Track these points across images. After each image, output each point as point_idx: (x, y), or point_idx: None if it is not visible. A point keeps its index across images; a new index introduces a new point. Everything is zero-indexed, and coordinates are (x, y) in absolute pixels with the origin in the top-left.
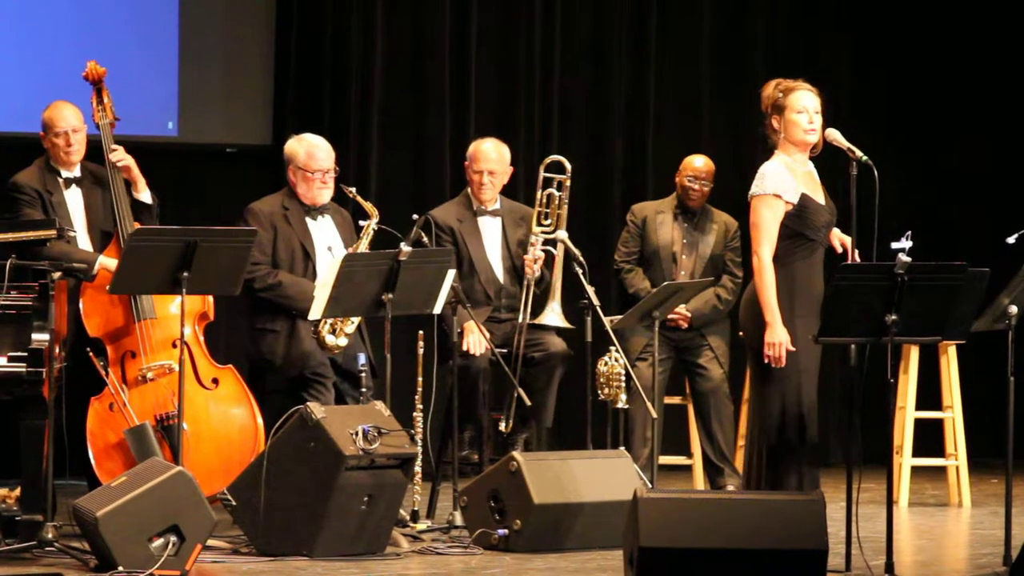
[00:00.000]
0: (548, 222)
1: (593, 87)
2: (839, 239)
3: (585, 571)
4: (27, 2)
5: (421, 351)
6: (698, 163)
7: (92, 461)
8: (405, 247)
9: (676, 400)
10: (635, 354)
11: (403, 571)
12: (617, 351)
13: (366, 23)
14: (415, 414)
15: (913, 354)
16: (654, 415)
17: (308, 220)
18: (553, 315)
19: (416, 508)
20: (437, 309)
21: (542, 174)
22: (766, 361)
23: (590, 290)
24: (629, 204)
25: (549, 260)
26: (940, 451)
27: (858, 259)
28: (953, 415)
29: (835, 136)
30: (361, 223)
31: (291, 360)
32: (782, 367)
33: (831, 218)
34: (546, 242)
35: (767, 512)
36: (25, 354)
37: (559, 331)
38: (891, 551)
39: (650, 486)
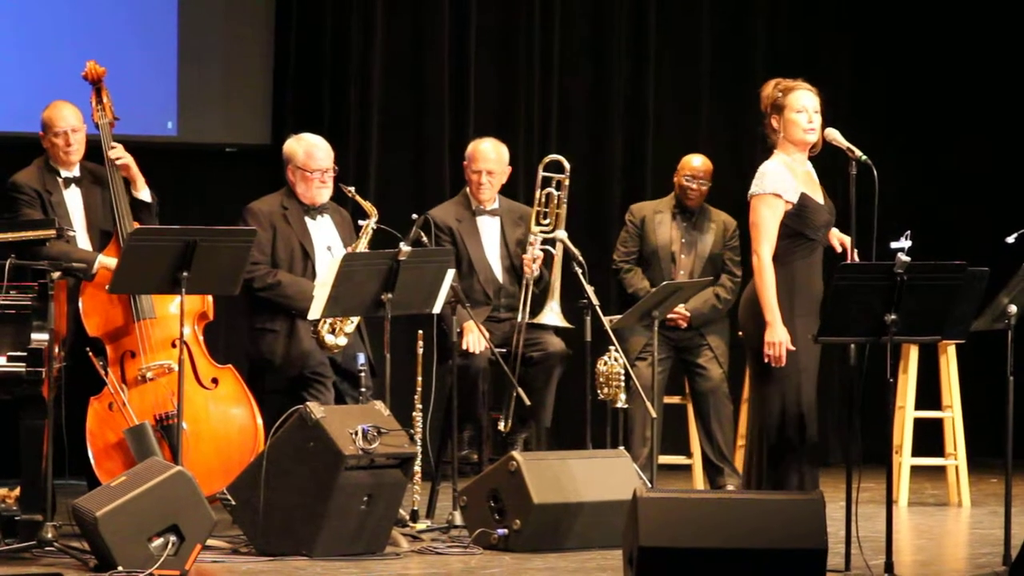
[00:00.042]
0: (547, 221)
1: (592, 87)
2: (838, 239)
3: (585, 571)
4: (27, 2)
5: (420, 351)
6: (696, 162)
7: (92, 461)
8: (404, 247)
9: (675, 400)
10: (634, 354)
11: (403, 571)
12: (616, 351)
13: (366, 23)
14: (414, 414)
15: (912, 354)
16: (653, 415)
17: (307, 220)
18: (552, 314)
19: (416, 508)
20: (436, 309)
21: (541, 173)
22: (766, 361)
23: (589, 290)
24: (628, 204)
25: (548, 259)
26: (939, 451)
27: (857, 259)
28: (952, 415)
29: (834, 136)
30: (360, 223)
31: (291, 360)
32: (782, 367)
33: (830, 218)
34: (545, 241)
35: (767, 512)
36: (24, 354)
37: (558, 331)
38: (891, 551)
39: (649, 486)
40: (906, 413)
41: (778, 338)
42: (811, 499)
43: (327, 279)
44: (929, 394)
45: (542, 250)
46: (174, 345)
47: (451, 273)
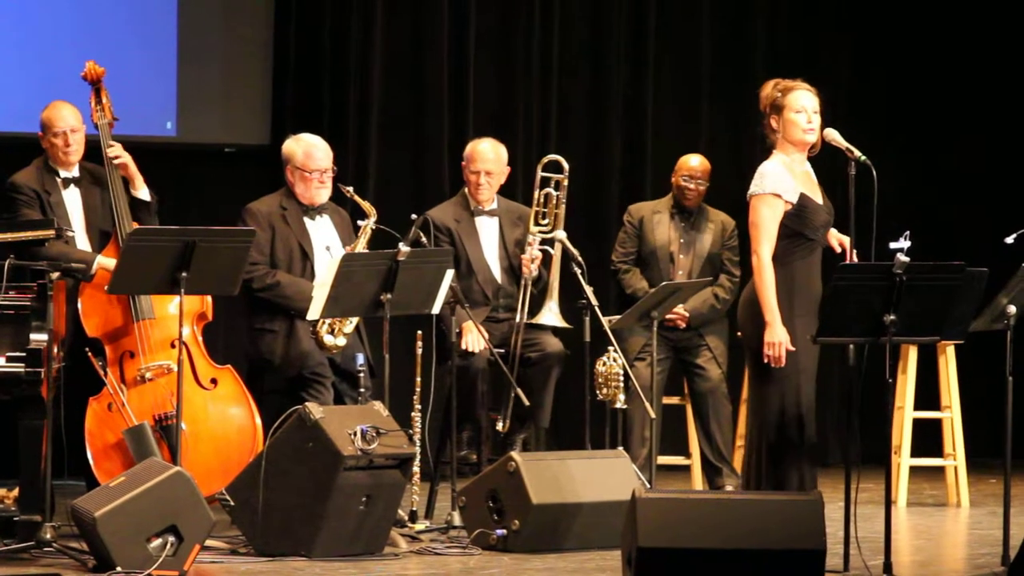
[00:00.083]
0: (546, 222)
1: (591, 87)
2: (837, 239)
3: (583, 571)
4: (26, 2)
5: (419, 351)
6: (693, 162)
7: (90, 461)
8: (404, 247)
9: (674, 400)
10: (633, 354)
11: (401, 571)
12: (615, 351)
13: (365, 23)
14: (413, 414)
15: (911, 354)
16: (652, 415)
17: (306, 220)
18: (550, 315)
19: (414, 508)
20: (436, 309)
21: (539, 174)
22: (765, 361)
23: (588, 290)
24: (627, 205)
25: (547, 260)
26: (938, 451)
27: (856, 259)
28: (951, 415)
29: (833, 136)
30: (359, 223)
31: (290, 360)
32: (781, 367)
33: (829, 218)
34: (543, 241)
35: (765, 512)
36: (23, 354)
37: (556, 331)
38: (889, 551)
39: (648, 486)
40: (905, 413)
41: (778, 338)
42: (810, 499)
43: (326, 279)
44: (928, 394)
45: (541, 250)
46: (173, 345)
47: (450, 273)
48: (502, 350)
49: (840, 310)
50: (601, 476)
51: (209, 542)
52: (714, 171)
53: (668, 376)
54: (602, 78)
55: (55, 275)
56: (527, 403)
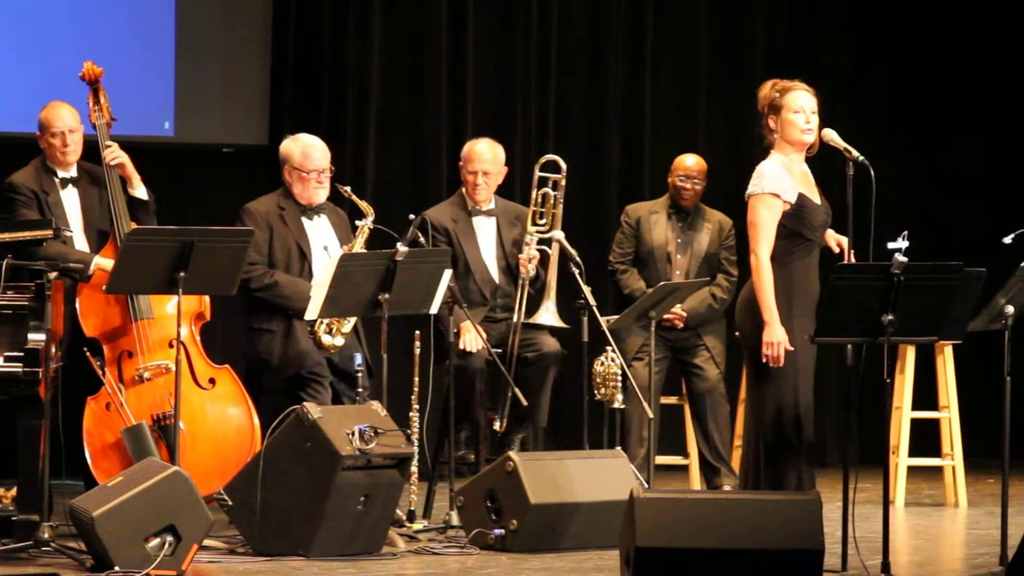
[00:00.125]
0: (543, 221)
1: (590, 87)
2: (835, 239)
3: (582, 571)
4: (24, 2)
5: (417, 351)
6: (689, 162)
7: (89, 461)
8: (401, 247)
9: (672, 400)
10: (631, 354)
11: (399, 571)
12: (613, 351)
13: (363, 23)
14: (411, 414)
15: (909, 354)
16: (650, 415)
17: (304, 220)
18: (548, 314)
19: (412, 508)
20: (433, 309)
21: (537, 173)
22: (764, 360)
23: (586, 290)
24: (625, 205)
25: (544, 260)
26: (936, 451)
27: (854, 260)
28: (949, 415)
29: (831, 136)
30: (357, 222)
31: (288, 360)
32: (779, 367)
33: (827, 218)
34: (541, 241)
35: (763, 512)
36: (21, 354)
37: (554, 331)
38: (887, 551)
39: (646, 486)
40: (903, 413)
41: (776, 338)
42: (808, 499)
43: (324, 279)
44: (926, 394)
45: (538, 250)
46: (171, 345)
47: (448, 273)
48: (500, 350)
49: (838, 310)
50: (599, 476)
51: (207, 542)
52: (712, 170)
53: (666, 376)
54: (600, 77)
55: (53, 275)
56: (525, 403)
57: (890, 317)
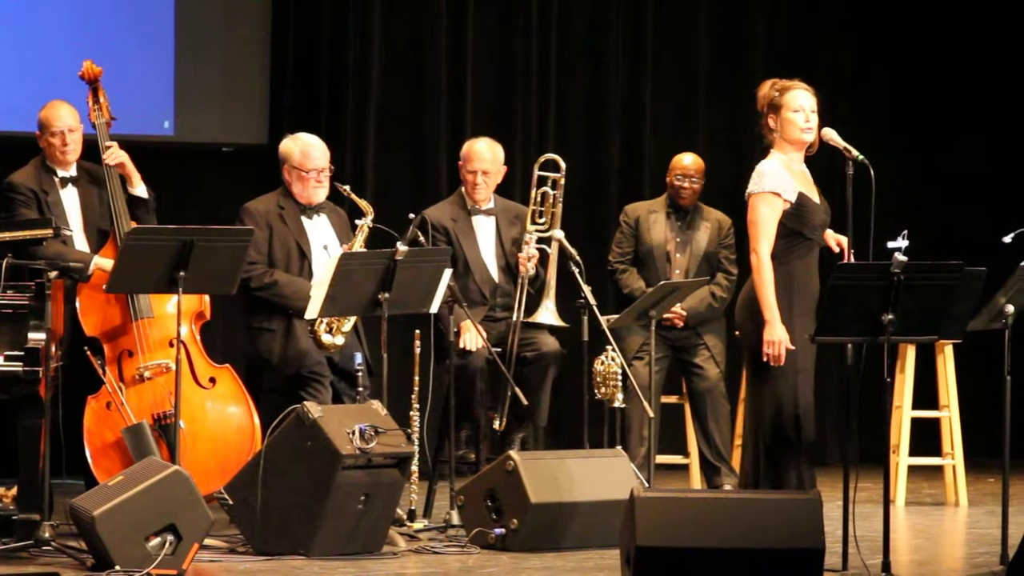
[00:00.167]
0: (543, 220)
1: (590, 87)
2: (835, 239)
3: (582, 570)
4: (24, 2)
5: (418, 350)
6: (687, 161)
7: (89, 460)
8: (401, 246)
9: (673, 399)
10: (632, 353)
11: (400, 570)
12: (614, 350)
13: (363, 23)
14: (412, 413)
15: (910, 353)
16: (651, 414)
17: (304, 219)
18: (547, 313)
19: (413, 507)
20: (434, 308)
21: (537, 172)
22: (765, 359)
23: (586, 289)
24: (625, 204)
25: (544, 258)
26: (937, 450)
27: (853, 260)
28: (950, 414)
29: (831, 136)
30: (357, 221)
31: (288, 359)
32: (778, 366)
33: (826, 217)
34: (541, 240)
35: (764, 511)
36: (22, 353)
37: (553, 330)
38: (888, 550)
39: (647, 485)
40: (903, 413)
41: (777, 337)
42: (808, 499)
43: (324, 278)
44: (926, 394)
45: (538, 249)
46: (172, 344)
47: (448, 273)
48: (499, 349)
49: (838, 309)
50: (599, 475)
51: (208, 541)
52: (712, 170)
53: (666, 375)
54: (600, 77)
55: (53, 274)
56: (525, 402)
57: (890, 316)
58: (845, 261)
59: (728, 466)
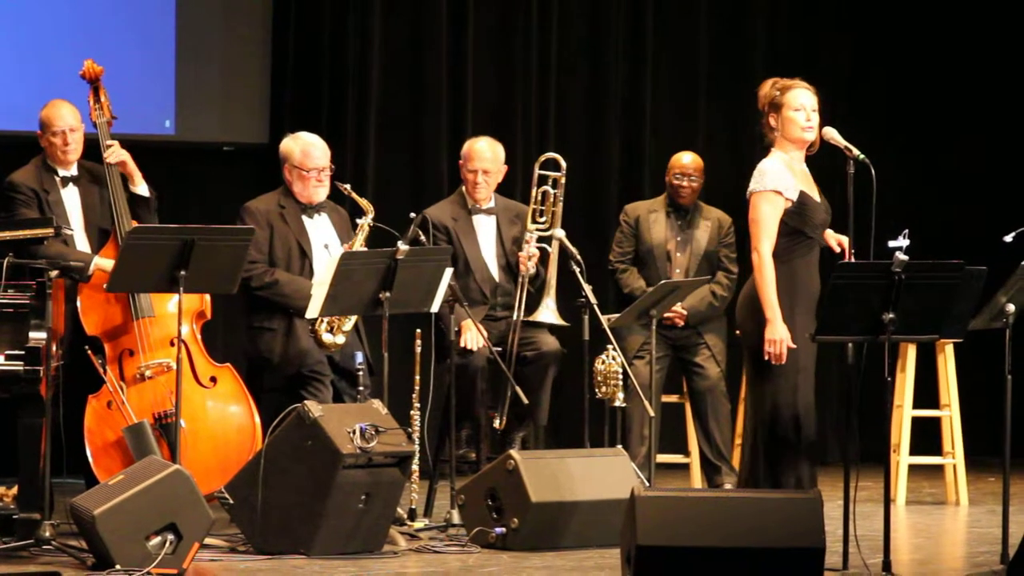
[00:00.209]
0: (543, 219)
1: (590, 87)
2: (836, 239)
3: (582, 569)
4: (24, 2)
5: (418, 350)
6: (685, 160)
7: (90, 459)
8: (402, 246)
9: (673, 398)
10: (632, 352)
11: (400, 569)
12: (614, 349)
13: (363, 22)
14: (412, 412)
15: (910, 352)
16: (651, 413)
17: (304, 218)
18: (548, 312)
19: (413, 506)
20: (435, 308)
21: (537, 171)
22: (766, 358)
23: (587, 288)
24: (625, 204)
25: (544, 257)
26: (937, 449)
27: (853, 260)
28: (950, 413)
29: (832, 135)
30: (357, 220)
31: (289, 358)
32: (779, 365)
33: (827, 217)
34: (541, 239)
35: (764, 510)
36: (23, 352)
37: (554, 329)
38: (888, 549)
39: (647, 484)
40: (904, 412)
41: (779, 335)
42: (809, 498)
43: (325, 278)
44: (927, 393)
45: (538, 248)
46: (172, 344)
47: (449, 272)
48: (500, 348)
49: (839, 309)
50: (600, 474)
51: (208, 540)
52: (712, 169)
53: (667, 374)
54: (600, 77)
55: (54, 273)
56: (526, 401)
57: (891, 315)
58: (846, 261)
59: (729, 465)
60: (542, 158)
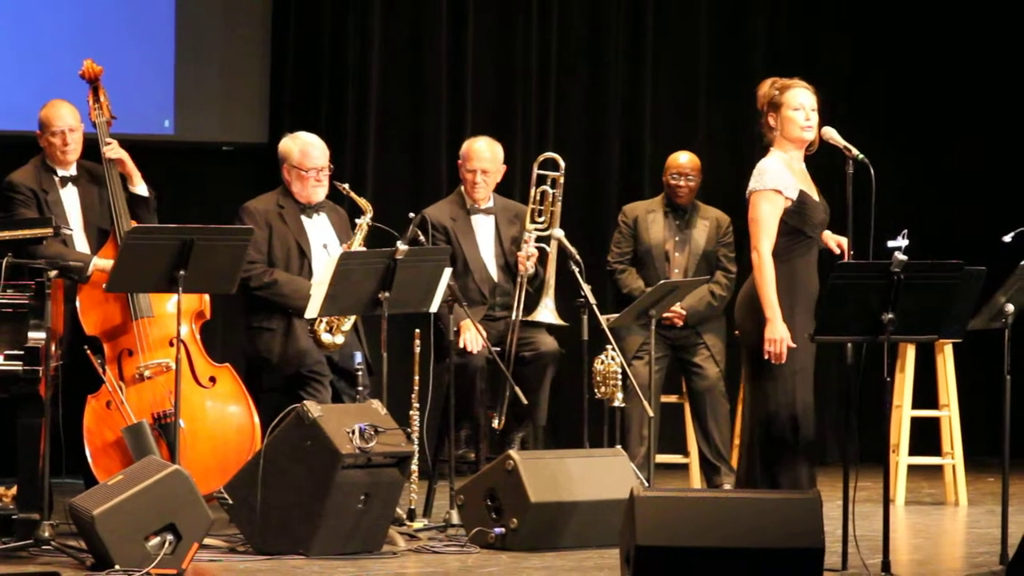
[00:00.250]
0: (542, 219)
1: (590, 87)
2: (835, 240)
3: (582, 570)
4: (24, 2)
5: (418, 350)
6: (682, 159)
7: (89, 459)
8: (401, 246)
9: (672, 399)
10: (631, 352)
11: (399, 570)
12: (614, 349)
13: (363, 22)
14: (412, 412)
15: (909, 352)
16: (651, 413)
17: (303, 218)
18: (547, 312)
19: (413, 507)
20: (434, 308)
21: (536, 171)
22: (766, 357)
23: (586, 288)
24: (625, 204)
25: (543, 257)
26: (936, 450)
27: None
28: (949, 414)
29: (831, 135)
30: (356, 220)
31: (288, 358)
32: (778, 365)
33: (825, 216)
34: (540, 239)
35: (763, 511)
36: (22, 352)
37: (553, 329)
38: (887, 550)
39: (646, 484)
40: (903, 412)
41: (779, 335)
42: (808, 498)
43: (324, 278)
44: (926, 393)
45: (537, 248)
46: (172, 343)
47: (448, 272)
48: (499, 348)
49: (838, 309)
50: (599, 475)
51: (207, 540)
52: (712, 169)
53: (666, 374)
54: (600, 77)
55: (53, 273)
56: (525, 401)
57: (890, 316)
58: (845, 261)
59: (728, 465)
60: (541, 158)
